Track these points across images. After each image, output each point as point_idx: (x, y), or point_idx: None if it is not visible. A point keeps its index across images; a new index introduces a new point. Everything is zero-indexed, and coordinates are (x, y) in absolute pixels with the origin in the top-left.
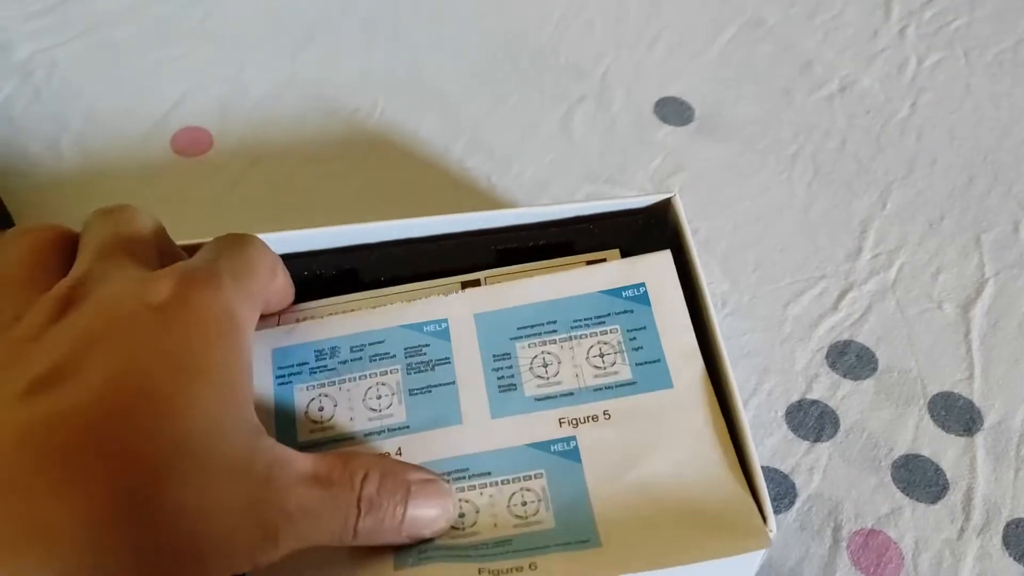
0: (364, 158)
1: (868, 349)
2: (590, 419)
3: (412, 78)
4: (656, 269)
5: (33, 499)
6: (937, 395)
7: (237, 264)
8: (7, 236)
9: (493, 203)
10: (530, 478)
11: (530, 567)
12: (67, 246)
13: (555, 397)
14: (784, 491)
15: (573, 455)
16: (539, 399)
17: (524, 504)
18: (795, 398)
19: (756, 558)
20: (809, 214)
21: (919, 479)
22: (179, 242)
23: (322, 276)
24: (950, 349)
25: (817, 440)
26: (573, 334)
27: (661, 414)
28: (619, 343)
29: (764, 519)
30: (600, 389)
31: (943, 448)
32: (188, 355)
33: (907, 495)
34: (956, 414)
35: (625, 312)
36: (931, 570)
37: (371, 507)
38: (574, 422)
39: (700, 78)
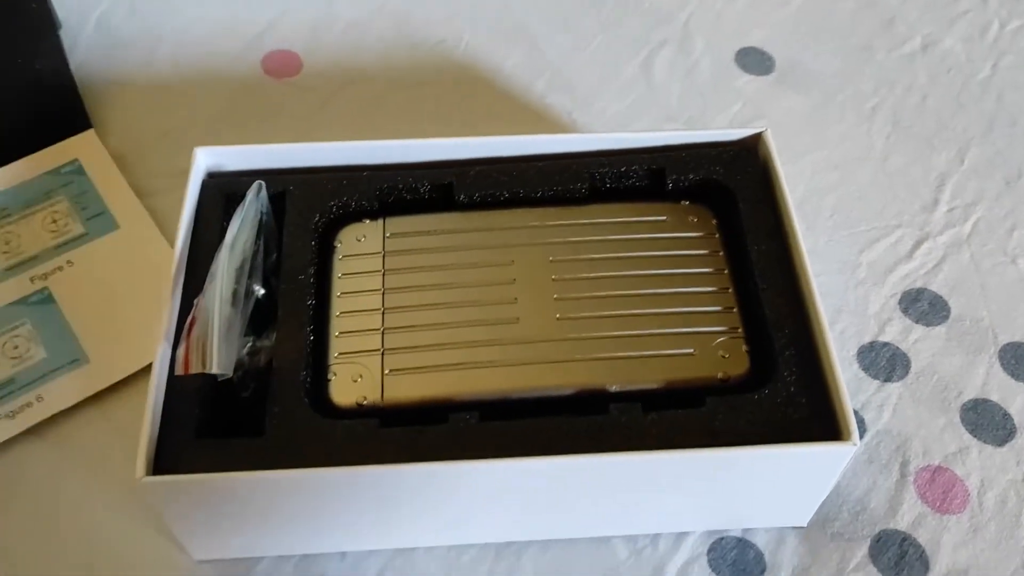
0: (449, 88)
1: (941, 297)
2: (57, 270)
3: (498, 14)
4: (83, 147)
5: None
6: (1008, 344)
7: None
8: None
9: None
10: (16, 327)
11: (37, 400)
12: None
13: (23, 263)
14: None
15: (48, 300)
16: (9, 268)
17: (16, 348)
18: (867, 339)
19: None
20: (887, 165)
21: (987, 422)
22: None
23: (417, 190)
24: (1022, 302)
25: (888, 380)
26: (26, 211)
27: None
28: (68, 208)
29: (847, 434)
30: (60, 246)
31: (1012, 395)
32: None
33: (975, 436)
34: None
35: (67, 184)
36: (996, 508)
37: None
38: (43, 276)
39: (782, 29)
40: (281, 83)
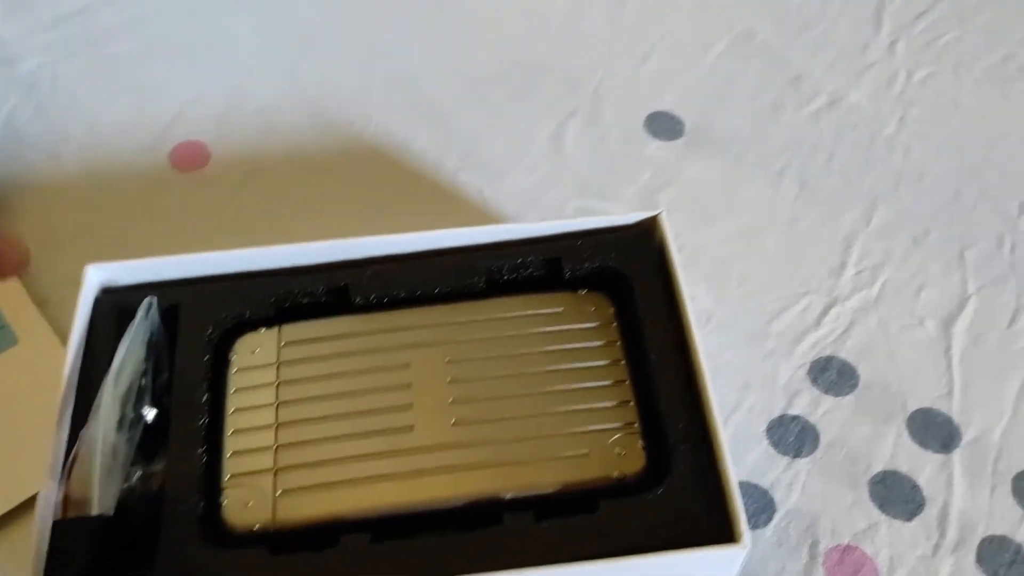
0: (360, 170)
1: (850, 365)
2: None
3: (407, 92)
4: None
5: None
6: (916, 411)
7: None
8: None
9: (485, 216)
10: None
11: None
12: None
13: None
14: (763, 506)
15: None
16: None
17: None
18: (776, 413)
19: None
20: (795, 229)
21: (896, 496)
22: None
23: (313, 294)
24: (930, 365)
25: (797, 455)
26: None
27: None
28: None
29: (738, 536)
30: None
31: (921, 465)
32: None
33: (884, 511)
34: (934, 430)
35: None
36: None
37: None
38: None
39: (690, 92)
40: (189, 175)
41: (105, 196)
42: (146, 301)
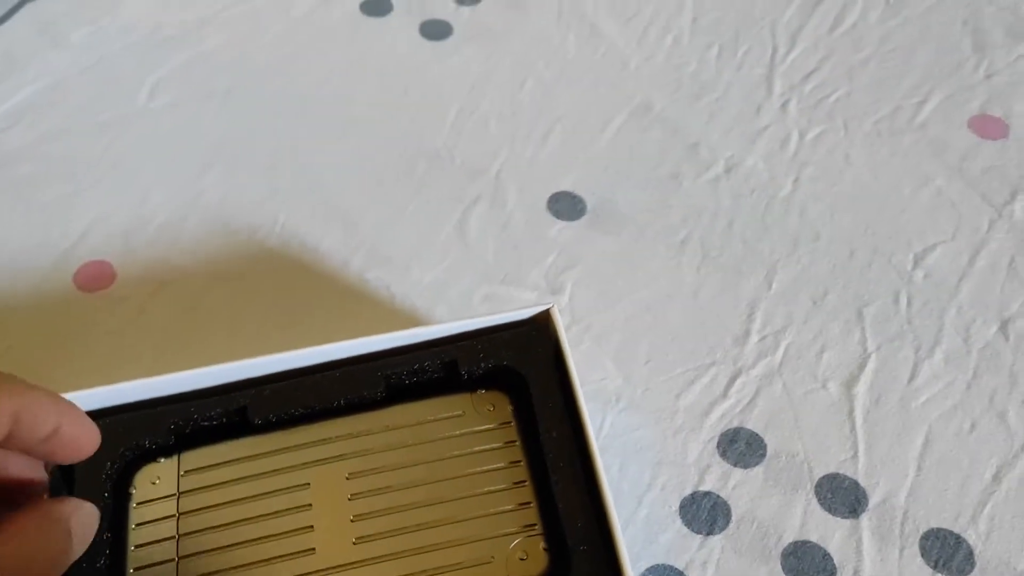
0: (267, 276)
1: (757, 435)
2: None
3: (313, 193)
4: None
5: None
6: (823, 477)
7: None
8: None
9: (393, 313)
10: None
11: None
12: None
13: None
14: None
15: None
16: None
17: None
18: (688, 491)
19: None
20: (698, 299)
21: (807, 566)
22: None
23: (212, 417)
24: (835, 429)
25: (710, 533)
26: None
27: None
28: None
29: None
30: None
31: (830, 532)
32: None
33: None
34: (842, 496)
35: None
36: None
37: None
38: None
39: (591, 170)
40: (94, 296)
41: (8, 322)
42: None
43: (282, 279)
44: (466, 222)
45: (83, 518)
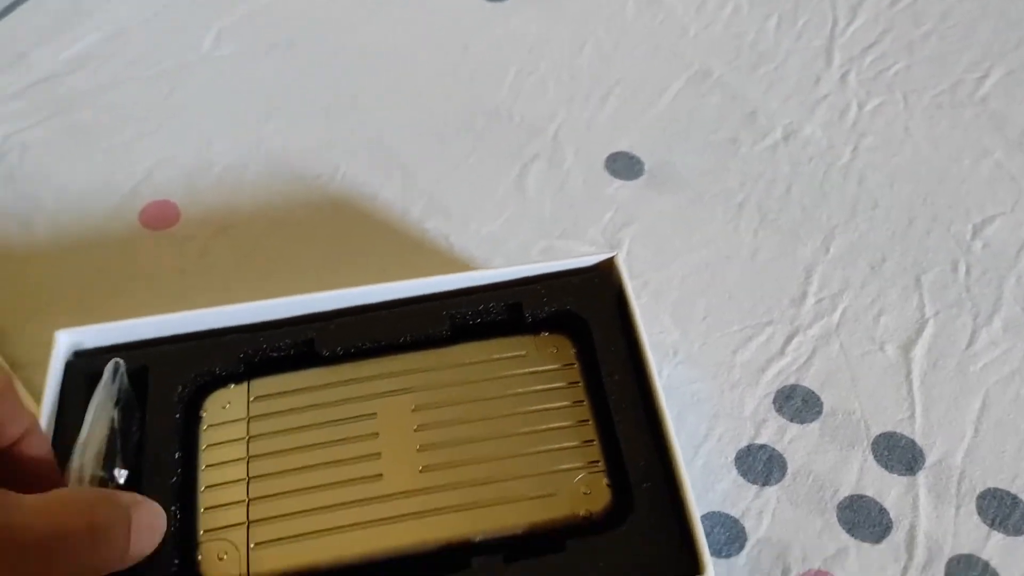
0: (327, 223)
1: (813, 393)
2: None
3: (371, 144)
4: None
5: None
6: (880, 435)
7: None
8: None
9: (451, 262)
10: None
11: None
12: None
13: None
14: (734, 535)
15: None
16: None
17: None
18: (744, 443)
19: None
20: (756, 261)
21: (863, 519)
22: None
23: (280, 348)
24: (892, 390)
25: (766, 484)
26: None
27: None
28: None
29: (702, 568)
30: None
31: (886, 488)
32: None
33: (852, 535)
34: (899, 454)
35: None
36: None
37: None
38: None
39: (649, 132)
40: (159, 234)
41: (77, 259)
42: (111, 364)
43: (341, 226)
44: (524, 178)
45: (146, 514)
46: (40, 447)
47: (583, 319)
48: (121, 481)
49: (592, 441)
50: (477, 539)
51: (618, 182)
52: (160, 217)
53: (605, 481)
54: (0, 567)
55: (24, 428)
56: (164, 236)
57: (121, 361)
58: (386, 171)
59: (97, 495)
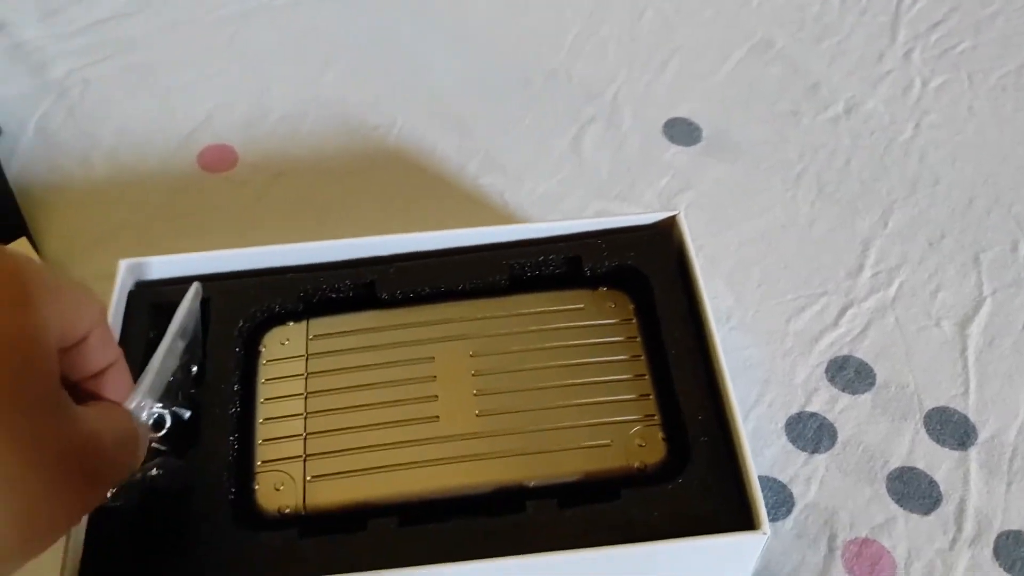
0: (383, 174)
1: (867, 364)
2: None
3: (430, 98)
4: None
5: None
6: (933, 410)
7: None
8: None
9: (506, 219)
10: None
11: None
12: None
13: None
14: (782, 500)
15: None
16: None
17: None
18: (794, 410)
19: None
20: (812, 232)
21: (913, 491)
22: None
23: (340, 289)
24: (947, 365)
25: (815, 451)
26: None
27: None
28: None
29: (758, 524)
30: None
31: (938, 461)
32: None
33: (901, 506)
34: (951, 428)
35: None
36: None
37: None
38: None
39: (709, 99)
40: (217, 177)
41: (136, 197)
42: (194, 286)
43: (397, 178)
44: (581, 139)
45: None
46: (122, 383)
47: (644, 275)
48: (184, 416)
49: (648, 395)
50: (531, 484)
51: (675, 147)
52: (218, 160)
53: (660, 435)
54: (72, 463)
55: (110, 361)
56: (221, 179)
57: (200, 285)
58: (443, 126)
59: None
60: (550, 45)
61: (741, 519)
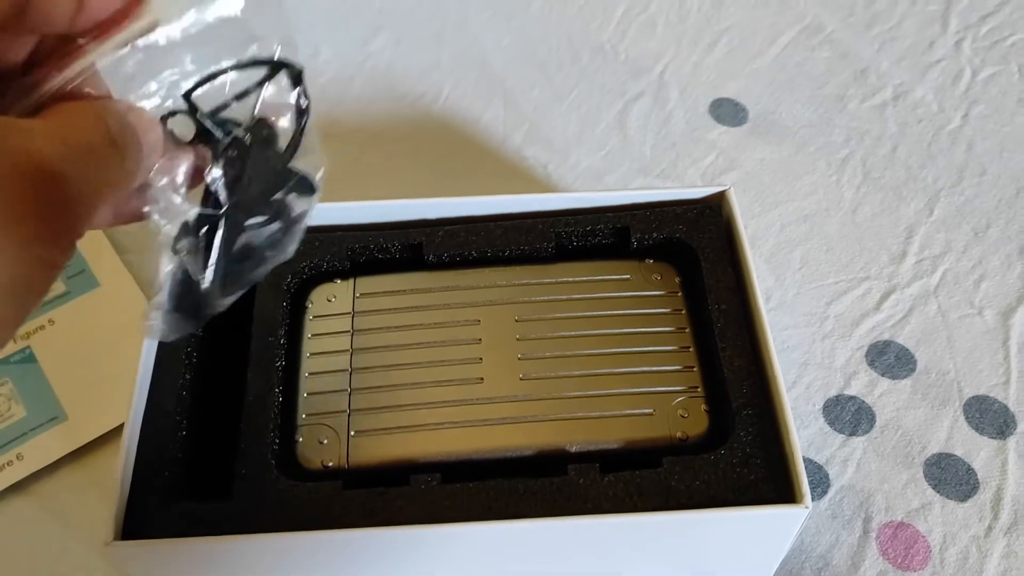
0: (428, 142)
1: (907, 350)
2: (39, 329)
3: (477, 68)
4: None
5: None
6: (973, 398)
7: None
8: None
9: (549, 191)
10: None
11: (17, 458)
12: None
13: None
14: (818, 481)
15: (30, 359)
16: None
17: None
18: (833, 393)
19: None
20: (856, 217)
21: (950, 477)
22: None
23: (387, 249)
24: (988, 354)
25: (853, 434)
26: None
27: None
28: None
29: (799, 497)
30: (42, 305)
31: (976, 449)
32: None
33: (938, 492)
34: (990, 417)
35: None
36: (957, 565)
37: None
38: (26, 335)
39: (756, 81)
40: None
41: None
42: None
43: (442, 146)
44: (627, 115)
45: (148, 122)
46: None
47: (692, 248)
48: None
49: (692, 367)
50: (572, 449)
51: (721, 127)
52: None
53: (703, 407)
54: (11, 196)
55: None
56: None
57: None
58: (490, 96)
59: (106, 105)
60: (599, 20)
61: (782, 492)
